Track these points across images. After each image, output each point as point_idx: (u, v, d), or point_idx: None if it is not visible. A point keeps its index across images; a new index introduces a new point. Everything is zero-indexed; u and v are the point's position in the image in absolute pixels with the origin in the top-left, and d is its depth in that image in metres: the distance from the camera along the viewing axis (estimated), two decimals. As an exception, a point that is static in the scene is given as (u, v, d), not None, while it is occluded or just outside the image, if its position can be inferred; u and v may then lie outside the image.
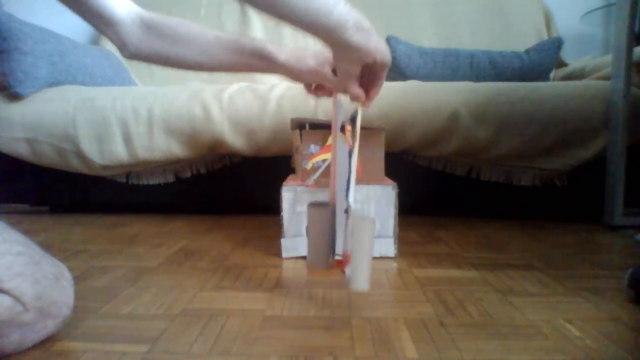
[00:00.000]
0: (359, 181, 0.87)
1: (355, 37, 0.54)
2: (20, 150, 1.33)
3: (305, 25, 0.53)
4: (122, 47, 0.64)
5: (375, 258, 0.87)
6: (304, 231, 0.87)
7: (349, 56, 0.57)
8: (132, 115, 1.29)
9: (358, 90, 0.61)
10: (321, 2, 0.52)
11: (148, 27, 0.63)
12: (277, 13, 0.52)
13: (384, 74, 0.61)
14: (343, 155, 0.64)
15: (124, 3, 0.63)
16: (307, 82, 0.69)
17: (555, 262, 0.85)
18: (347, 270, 0.57)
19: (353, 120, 0.66)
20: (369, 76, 0.61)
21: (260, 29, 1.90)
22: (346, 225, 0.58)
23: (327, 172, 0.85)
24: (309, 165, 0.86)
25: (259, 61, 0.65)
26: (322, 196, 0.85)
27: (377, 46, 0.57)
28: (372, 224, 0.57)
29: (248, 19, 1.90)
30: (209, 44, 0.64)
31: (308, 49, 0.67)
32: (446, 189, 1.29)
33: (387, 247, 0.87)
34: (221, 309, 0.62)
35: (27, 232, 0.54)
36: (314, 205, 0.65)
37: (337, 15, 0.52)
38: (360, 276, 0.56)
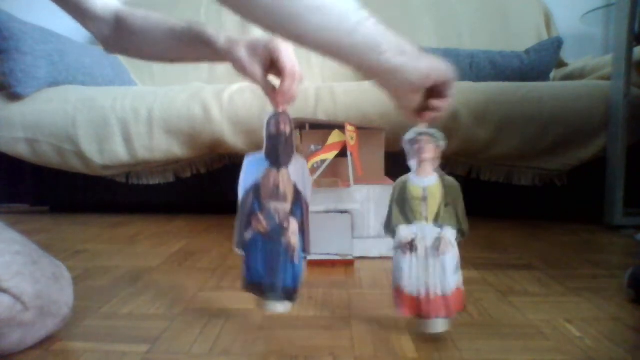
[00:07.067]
0: (359, 181, 0.87)
1: (399, 59, 0.48)
2: (20, 150, 1.33)
3: (326, 47, 0.47)
4: (104, 41, 0.66)
5: (375, 258, 0.87)
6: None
7: (397, 83, 0.50)
8: (132, 115, 1.29)
9: (413, 115, 0.59)
10: (339, 20, 0.45)
11: (118, 22, 0.65)
12: (289, 34, 0.48)
13: (448, 91, 0.54)
14: None
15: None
16: (244, 75, 0.60)
17: (555, 262, 0.85)
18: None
19: (412, 141, 0.61)
20: (432, 94, 0.55)
21: (260, 30, 1.90)
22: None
23: (327, 172, 0.85)
24: (308, 166, 0.86)
25: (204, 48, 0.61)
26: (322, 197, 0.85)
27: (431, 66, 0.50)
28: None
29: (248, 19, 1.90)
30: (162, 35, 0.64)
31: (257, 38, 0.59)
32: (446, 189, 1.29)
33: (388, 247, 0.87)
34: (221, 309, 0.62)
35: (27, 232, 0.53)
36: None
37: (364, 35, 0.46)
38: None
